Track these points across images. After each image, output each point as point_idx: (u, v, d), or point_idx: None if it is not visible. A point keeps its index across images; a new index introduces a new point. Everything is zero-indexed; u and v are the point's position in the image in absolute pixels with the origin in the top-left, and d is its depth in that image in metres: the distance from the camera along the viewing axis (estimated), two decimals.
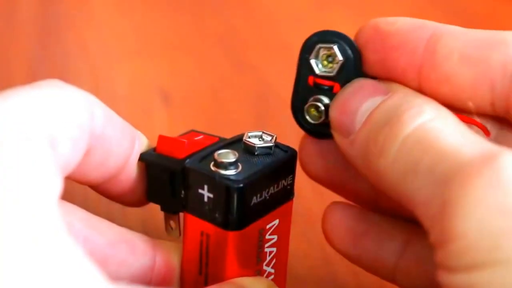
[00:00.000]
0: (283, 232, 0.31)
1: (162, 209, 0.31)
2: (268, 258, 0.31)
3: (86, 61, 0.64)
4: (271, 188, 0.30)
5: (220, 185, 0.28)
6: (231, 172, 0.28)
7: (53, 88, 0.26)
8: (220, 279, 0.30)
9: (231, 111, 0.56)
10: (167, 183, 0.30)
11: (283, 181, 0.30)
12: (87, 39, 0.67)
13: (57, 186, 0.24)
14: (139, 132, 0.31)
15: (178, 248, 0.31)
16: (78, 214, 0.29)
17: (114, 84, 0.60)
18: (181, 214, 0.31)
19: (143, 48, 0.66)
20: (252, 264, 0.30)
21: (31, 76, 0.60)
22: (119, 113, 0.31)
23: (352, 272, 0.41)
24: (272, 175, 0.30)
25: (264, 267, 0.31)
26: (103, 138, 0.28)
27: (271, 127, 0.50)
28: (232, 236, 0.29)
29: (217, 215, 0.29)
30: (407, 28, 0.28)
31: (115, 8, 0.73)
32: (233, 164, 0.28)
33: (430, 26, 0.28)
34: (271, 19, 0.71)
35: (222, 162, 0.28)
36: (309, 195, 0.45)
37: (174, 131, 0.52)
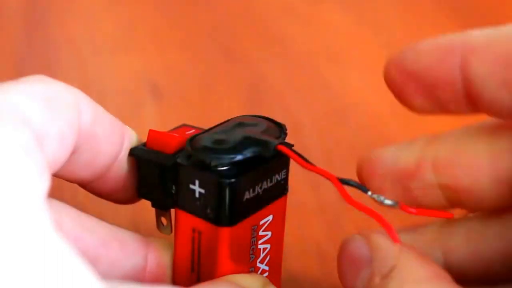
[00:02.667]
0: (277, 228, 0.31)
1: (153, 205, 0.31)
2: (262, 255, 0.31)
3: (74, 55, 0.63)
4: (265, 183, 0.29)
5: (212, 180, 0.28)
6: (223, 167, 0.28)
7: (39, 83, 0.26)
8: (212, 276, 0.29)
9: (224, 104, 0.56)
10: (158, 179, 0.30)
11: (277, 176, 0.30)
12: (75, 32, 0.67)
13: (44, 183, 0.23)
14: (128, 127, 0.31)
15: (170, 245, 0.31)
16: (69, 213, 0.29)
17: (103, 78, 0.60)
18: (173, 211, 0.31)
19: (132, 41, 0.66)
20: (246, 261, 0.30)
21: (18, 72, 0.60)
22: (109, 108, 0.30)
23: None
24: (266, 170, 0.29)
25: (258, 264, 0.31)
26: (92, 135, 0.28)
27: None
28: (224, 232, 0.28)
29: (208, 211, 0.28)
30: (434, 60, 0.27)
31: (104, 1, 0.73)
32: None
33: (457, 45, 0.27)
34: (262, 11, 0.71)
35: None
36: (304, 190, 0.45)
37: (165, 126, 0.51)
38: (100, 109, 0.29)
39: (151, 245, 0.31)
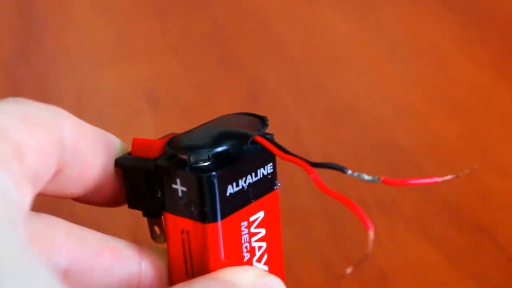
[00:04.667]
0: (271, 225, 0.31)
1: (144, 214, 0.31)
2: (258, 253, 0.30)
3: (68, 64, 0.63)
4: (249, 177, 0.29)
5: (191, 177, 0.28)
6: (203, 163, 0.28)
7: (14, 103, 0.26)
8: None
9: (222, 111, 0.55)
10: (144, 186, 0.30)
11: (262, 170, 0.30)
12: (68, 41, 0.67)
13: (21, 193, 0.23)
14: (111, 135, 0.31)
15: (164, 252, 0.31)
16: (60, 226, 0.29)
17: (98, 87, 0.60)
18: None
19: (127, 49, 0.66)
20: (239, 260, 0.30)
21: (11, 82, 0.60)
22: (105, 116, 0.30)
23: (354, 274, 0.40)
24: (248, 163, 0.29)
25: (255, 263, 0.30)
26: (77, 150, 0.28)
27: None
28: (210, 228, 0.28)
29: (192, 208, 0.28)
30: None
31: (97, 8, 0.73)
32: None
33: None
34: (259, 15, 0.71)
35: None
36: (307, 196, 0.44)
37: (162, 134, 0.51)
38: (82, 123, 0.29)
39: (146, 252, 0.31)
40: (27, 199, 0.24)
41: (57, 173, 0.27)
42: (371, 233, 0.27)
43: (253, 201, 0.30)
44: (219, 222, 0.28)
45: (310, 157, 0.48)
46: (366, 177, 0.28)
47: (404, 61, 0.61)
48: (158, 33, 0.68)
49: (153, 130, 0.53)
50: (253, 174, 0.29)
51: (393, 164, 0.49)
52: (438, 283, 0.40)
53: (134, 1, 0.74)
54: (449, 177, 0.30)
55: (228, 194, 0.28)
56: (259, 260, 0.30)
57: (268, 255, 0.31)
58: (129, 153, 0.30)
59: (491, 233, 0.43)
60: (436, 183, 0.29)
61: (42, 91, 0.60)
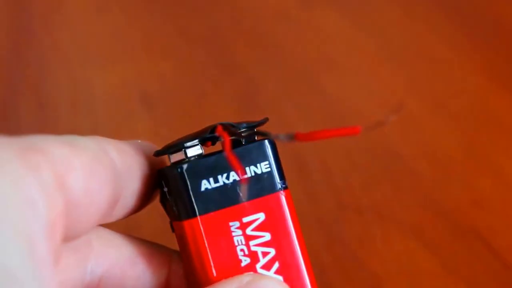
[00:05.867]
0: (278, 230, 0.30)
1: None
2: (263, 260, 0.29)
3: (63, 65, 0.63)
4: (232, 174, 0.29)
5: (167, 174, 0.29)
6: (183, 164, 0.28)
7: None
8: (202, 281, 0.29)
9: (218, 112, 0.56)
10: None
11: (254, 168, 0.29)
12: (63, 42, 0.67)
13: (52, 212, 0.23)
14: (141, 142, 0.30)
15: None
16: (97, 232, 0.29)
17: (93, 89, 0.59)
18: None
19: (122, 50, 0.66)
20: (236, 263, 0.29)
21: (6, 83, 0.60)
22: (99, 117, 0.30)
23: (348, 279, 0.40)
24: (220, 162, 0.29)
25: (261, 270, 0.29)
26: (126, 167, 0.28)
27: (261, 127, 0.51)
28: (188, 225, 0.28)
29: (174, 208, 0.29)
30: None
31: (92, 9, 0.72)
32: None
33: None
34: (256, 18, 0.71)
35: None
36: (302, 201, 0.44)
37: (157, 136, 0.51)
38: (116, 141, 0.28)
39: (175, 257, 0.31)
40: (61, 218, 0.23)
41: (117, 198, 0.27)
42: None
43: (244, 201, 0.29)
44: (198, 217, 0.28)
45: (305, 160, 0.48)
46: (282, 136, 0.27)
47: (401, 66, 0.61)
48: (153, 34, 0.68)
49: (148, 131, 0.53)
50: (240, 171, 0.29)
51: (389, 169, 0.49)
52: None
53: (129, 2, 0.74)
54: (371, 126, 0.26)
55: (203, 189, 0.28)
56: (266, 268, 0.30)
57: (280, 264, 0.30)
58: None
59: (485, 239, 0.42)
60: (358, 132, 0.26)
61: (36, 93, 0.60)
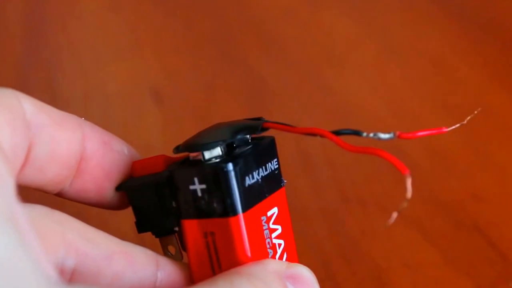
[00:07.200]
0: (285, 222, 0.31)
1: (156, 235, 0.31)
2: (279, 252, 0.30)
3: (75, 61, 0.63)
4: (260, 170, 0.29)
5: (210, 170, 0.28)
6: (215, 159, 0.28)
7: None
8: None
9: (226, 109, 0.56)
10: (156, 201, 0.29)
11: (270, 165, 0.30)
12: (77, 39, 0.67)
13: (12, 179, 0.23)
14: (85, 121, 0.30)
15: (183, 266, 0.30)
16: (73, 225, 0.28)
17: (104, 85, 0.60)
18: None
19: (133, 47, 0.66)
20: (265, 256, 0.29)
21: (20, 79, 0.60)
22: (110, 113, 0.30)
23: (352, 271, 0.41)
24: (257, 157, 0.29)
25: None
26: (41, 125, 0.27)
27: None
28: (235, 221, 0.28)
29: (215, 205, 0.28)
30: None
31: (104, 7, 0.72)
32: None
33: None
34: (263, 15, 0.71)
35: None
36: (307, 195, 0.45)
37: (167, 131, 0.51)
38: (42, 103, 0.28)
39: (163, 263, 0.30)
40: (14, 181, 0.23)
41: (29, 151, 0.26)
42: (408, 177, 0.26)
43: (267, 195, 0.30)
44: (242, 214, 0.28)
45: (311, 157, 0.48)
46: (382, 135, 0.28)
47: (404, 63, 0.61)
48: (164, 31, 0.68)
49: (159, 127, 0.53)
50: (264, 168, 0.29)
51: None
52: (433, 280, 0.40)
53: (140, 0, 0.74)
54: (455, 126, 0.30)
55: (246, 185, 0.28)
56: (281, 259, 0.30)
57: (287, 254, 0.30)
58: (131, 177, 0.30)
59: (485, 232, 0.43)
60: (444, 132, 0.29)
61: (49, 88, 0.60)
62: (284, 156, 0.46)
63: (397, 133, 0.28)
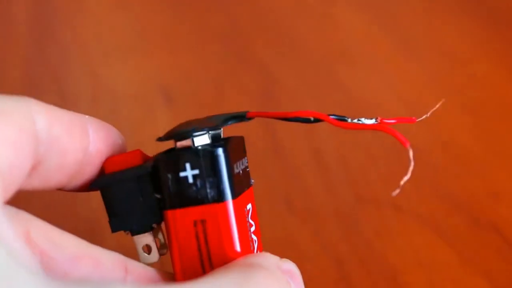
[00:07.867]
0: (256, 221, 0.30)
1: (133, 233, 0.30)
2: (255, 248, 0.30)
3: (84, 60, 0.63)
4: (240, 163, 0.29)
5: (205, 154, 0.28)
6: (206, 147, 0.28)
7: None
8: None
9: (236, 107, 0.56)
10: (135, 195, 0.29)
11: (244, 160, 0.30)
12: (85, 37, 0.67)
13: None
14: (90, 117, 0.30)
15: (155, 270, 0.30)
16: (38, 225, 0.28)
17: (114, 83, 0.60)
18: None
19: (143, 45, 0.66)
20: (249, 251, 0.29)
21: (28, 78, 0.60)
22: (120, 112, 0.30)
23: (366, 271, 0.40)
24: (236, 149, 0.29)
25: None
26: (53, 138, 0.27)
27: (278, 122, 0.50)
28: (227, 206, 0.28)
29: (208, 190, 0.28)
30: None
31: (113, 4, 0.73)
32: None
33: None
34: (275, 12, 0.71)
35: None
36: (320, 194, 0.44)
37: None
38: (54, 109, 0.28)
39: (131, 267, 0.29)
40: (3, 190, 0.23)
41: (35, 167, 0.27)
42: (409, 149, 0.27)
43: (245, 189, 0.29)
44: (233, 200, 0.28)
45: (324, 154, 0.48)
46: (366, 121, 0.29)
47: (419, 59, 0.61)
48: (174, 28, 0.68)
49: (169, 125, 0.52)
50: (241, 161, 0.29)
51: (406, 162, 0.49)
52: (449, 280, 0.40)
53: None
54: (422, 117, 0.31)
55: (235, 172, 0.28)
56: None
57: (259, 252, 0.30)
58: (103, 174, 0.29)
59: (501, 231, 0.42)
60: (413, 122, 0.31)
61: (57, 87, 0.60)
62: (295, 155, 0.46)
63: (379, 118, 0.29)
